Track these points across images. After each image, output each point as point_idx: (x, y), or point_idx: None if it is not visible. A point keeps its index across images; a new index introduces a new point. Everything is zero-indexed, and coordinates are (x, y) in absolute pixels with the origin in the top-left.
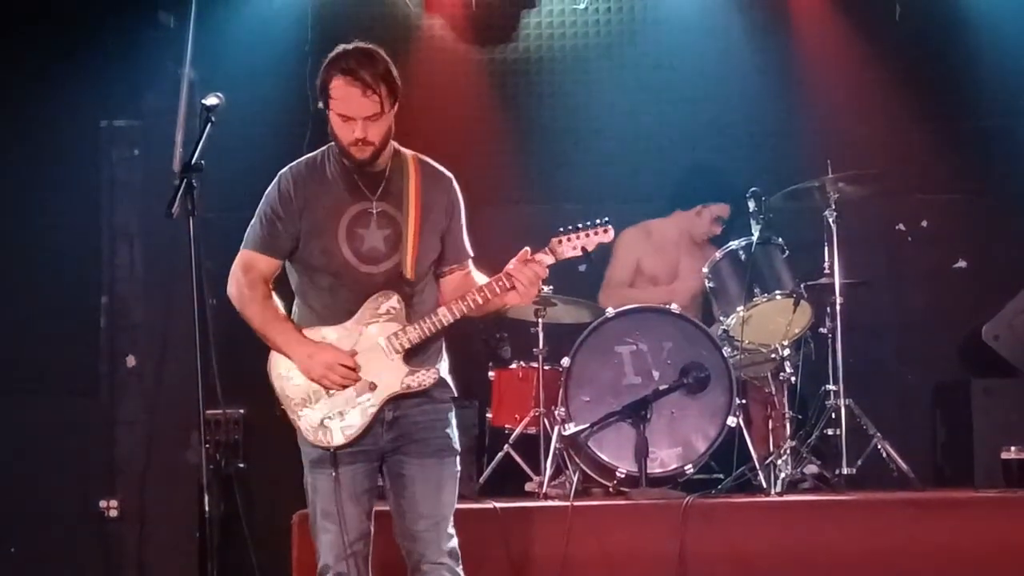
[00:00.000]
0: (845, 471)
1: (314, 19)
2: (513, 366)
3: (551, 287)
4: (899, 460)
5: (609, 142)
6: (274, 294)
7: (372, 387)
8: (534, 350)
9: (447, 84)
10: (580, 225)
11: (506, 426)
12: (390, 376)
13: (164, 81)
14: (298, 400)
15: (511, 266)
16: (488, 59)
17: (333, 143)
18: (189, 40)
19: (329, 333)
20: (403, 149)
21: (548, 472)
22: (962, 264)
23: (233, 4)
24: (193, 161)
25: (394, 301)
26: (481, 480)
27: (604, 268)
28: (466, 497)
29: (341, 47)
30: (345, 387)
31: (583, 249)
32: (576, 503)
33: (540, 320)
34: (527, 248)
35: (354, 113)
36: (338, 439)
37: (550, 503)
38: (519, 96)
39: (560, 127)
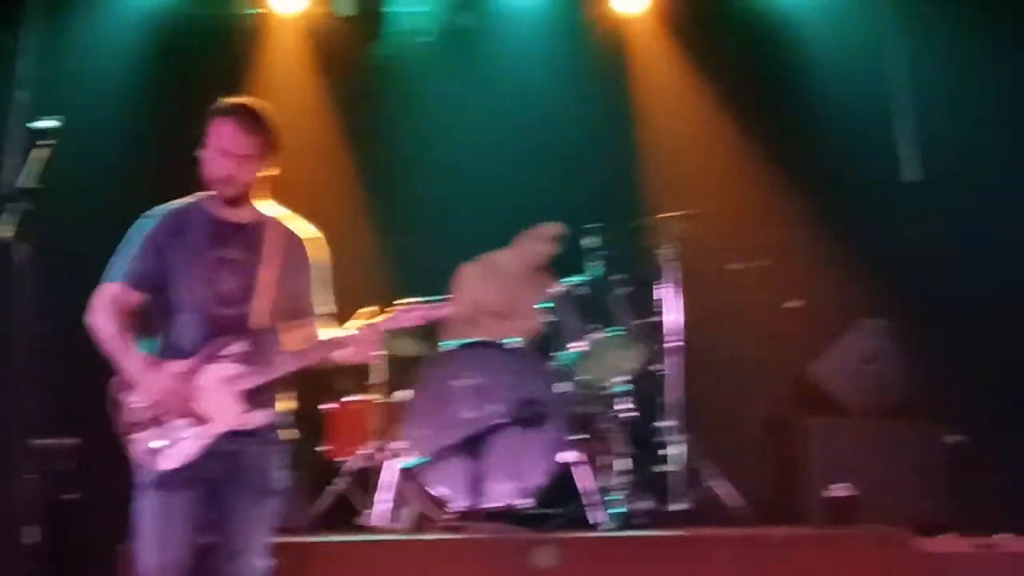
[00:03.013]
0: (679, 507)
1: (155, 47)
2: (350, 399)
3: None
4: (731, 496)
5: (451, 173)
6: (131, 326)
7: (206, 420)
8: (371, 382)
9: (288, 115)
10: (424, 300)
11: (341, 459)
12: (225, 413)
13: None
14: (135, 423)
15: (354, 330)
16: (331, 90)
17: (201, 193)
18: (23, 61)
19: (176, 366)
20: (271, 207)
21: (383, 506)
22: (796, 303)
23: (73, 28)
24: (26, 185)
25: (238, 345)
26: (315, 513)
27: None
28: (299, 530)
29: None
30: (182, 416)
31: (424, 319)
32: (410, 537)
33: (379, 353)
34: (374, 313)
35: (232, 149)
36: (167, 464)
37: (383, 537)
38: (363, 127)
39: (403, 158)
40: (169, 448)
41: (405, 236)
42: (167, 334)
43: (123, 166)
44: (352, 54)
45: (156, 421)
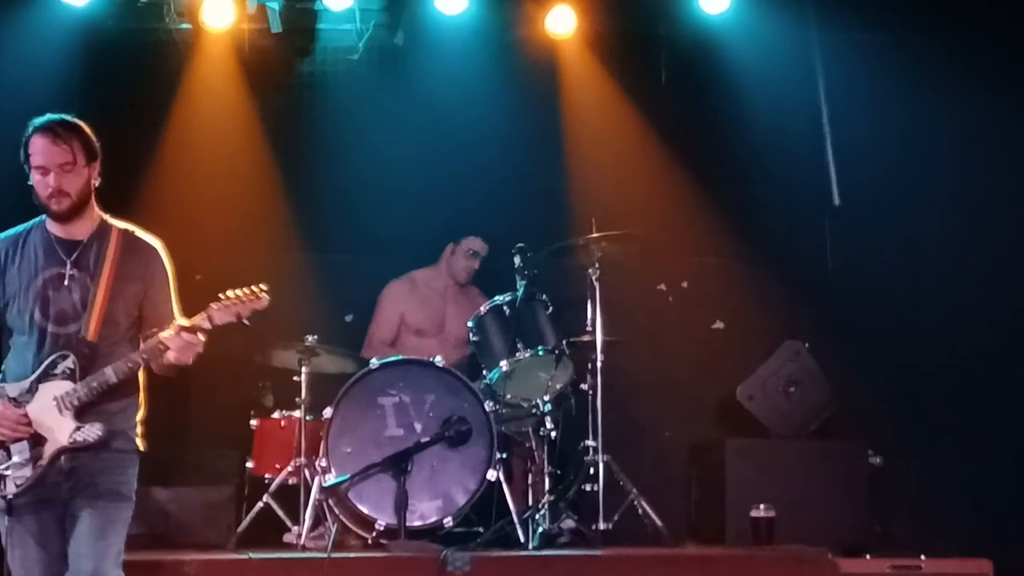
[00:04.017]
0: (602, 526)
1: (83, 61)
2: (275, 415)
3: (315, 336)
4: (654, 516)
5: (379, 191)
6: None
7: (42, 441)
8: (296, 399)
9: (218, 130)
10: (236, 293)
11: (266, 475)
12: (59, 431)
13: None
14: None
15: (164, 334)
16: (260, 106)
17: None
18: None
19: (10, 389)
20: (112, 221)
21: (307, 523)
22: (720, 325)
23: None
24: None
25: (69, 362)
26: (239, 530)
27: (368, 321)
28: (223, 547)
29: None
30: (15, 439)
31: (238, 316)
32: (334, 555)
33: (304, 369)
34: (182, 321)
35: (47, 163)
36: (11, 488)
37: (308, 554)
38: (291, 143)
39: (331, 175)
40: (11, 472)
41: (333, 254)
42: (7, 358)
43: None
44: (281, 70)
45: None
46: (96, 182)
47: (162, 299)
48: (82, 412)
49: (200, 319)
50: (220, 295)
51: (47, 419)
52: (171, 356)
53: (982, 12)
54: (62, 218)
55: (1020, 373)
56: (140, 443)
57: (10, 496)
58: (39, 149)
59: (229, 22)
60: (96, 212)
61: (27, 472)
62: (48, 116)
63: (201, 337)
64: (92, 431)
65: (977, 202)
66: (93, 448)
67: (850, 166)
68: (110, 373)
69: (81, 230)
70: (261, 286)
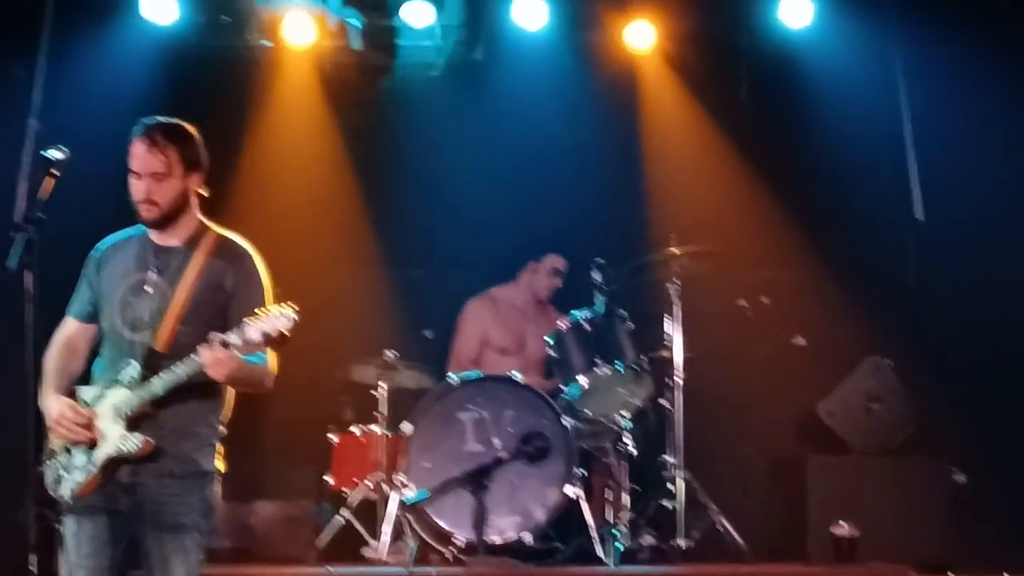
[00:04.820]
0: (682, 543)
1: (166, 78)
2: (355, 430)
3: (395, 352)
4: (734, 533)
5: (458, 207)
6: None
7: (94, 446)
8: (375, 414)
9: (299, 147)
10: (267, 310)
11: (345, 490)
12: (111, 438)
13: (9, 132)
14: (48, 452)
15: (204, 348)
16: (341, 122)
17: None
18: (36, 91)
19: (85, 392)
20: (212, 226)
21: (386, 538)
22: (800, 341)
23: (85, 60)
24: (32, 213)
25: (132, 369)
26: (319, 544)
27: (451, 338)
28: (303, 561)
29: None
30: (75, 441)
31: (264, 335)
32: (414, 570)
33: (383, 385)
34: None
35: (140, 169)
36: (66, 493)
37: (387, 569)
38: (371, 159)
39: (411, 191)
40: (68, 475)
41: (412, 270)
42: (98, 360)
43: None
44: (362, 87)
45: (62, 449)
46: (198, 191)
47: (250, 309)
48: (137, 422)
49: (229, 335)
50: (256, 310)
51: (105, 425)
52: (207, 371)
53: None
54: (152, 225)
55: None
56: (219, 463)
57: (66, 498)
58: (136, 153)
59: (311, 40)
60: (195, 219)
61: (80, 477)
62: (154, 119)
63: (237, 354)
64: (132, 441)
65: None
66: (151, 467)
67: (933, 180)
68: (158, 384)
69: (176, 237)
70: (290, 304)
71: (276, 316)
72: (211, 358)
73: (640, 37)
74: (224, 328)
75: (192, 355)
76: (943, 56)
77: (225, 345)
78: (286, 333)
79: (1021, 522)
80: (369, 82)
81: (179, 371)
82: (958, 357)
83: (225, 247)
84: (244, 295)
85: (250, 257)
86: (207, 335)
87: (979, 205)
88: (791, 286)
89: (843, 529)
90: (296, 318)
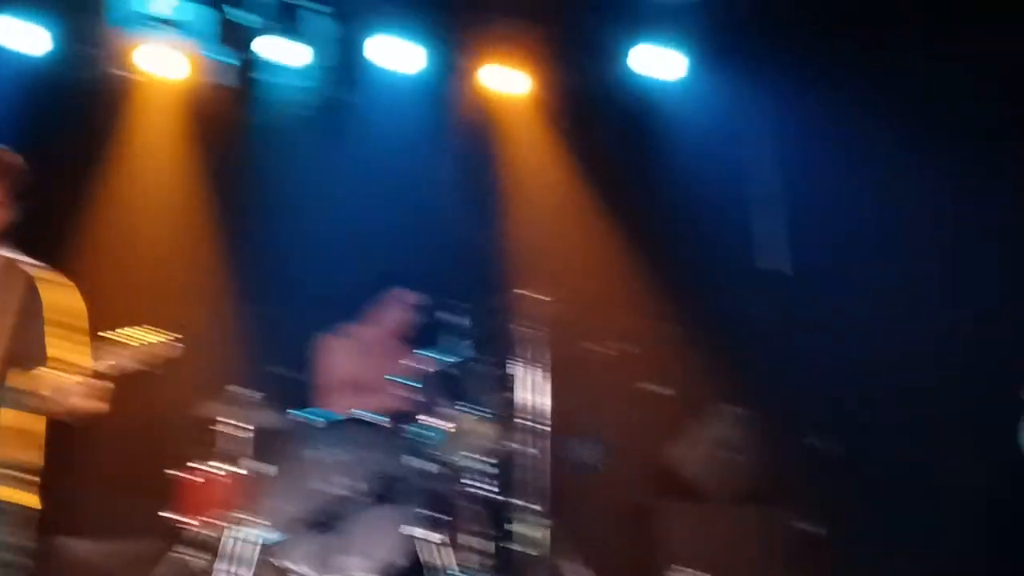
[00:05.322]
0: None
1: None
2: (200, 467)
3: (246, 389)
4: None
5: (317, 245)
6: None
7: None
8: (222, 452)
9: (159, 181)
10: (140, 335)
11: (187, 527)
12: None
13: None
14: None
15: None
16: (205, 157)
17: None
18: None
19: None
20: (8, 253)
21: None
22: (656, 388)
23: None
24: None
25: None
26: None
27: (304, 375)
28: None
29: None
30: None
31: (137, 360)
32: None
33: (230, 421)
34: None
35: None
36: None
37: None
38: (232, 194)
39: (272, 229)
40: None
41: (269, 306)
42: None
43: None
44: (230, 124)
45: None
46: (8, 218)
47: (43, 336)
48: None
49: (102, 360)
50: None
51: None
52: (68, 403)
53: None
54: None
55: (958, 443)
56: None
57: None
58: None
59: (181, 73)
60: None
61: None
62: None
63: (80, 379)
64: None
65: (916, 272)
66: None
67: (798, 231)
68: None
69: None
70: (170, 335)
71: (151, 345)
72: (72, 389)
73: (509, 84)
74: (30, 354)
75: (59, 383)
76: (811, 110)
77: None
78: None
79: (867, 571)
80: (237, 119)
81: (56, 396)
82: (808, 406)
83: (10, 270)
84: (27, 320)
85: (31, 280)
86: (32, 359)
87: (841, 257)
88: (651, 334)
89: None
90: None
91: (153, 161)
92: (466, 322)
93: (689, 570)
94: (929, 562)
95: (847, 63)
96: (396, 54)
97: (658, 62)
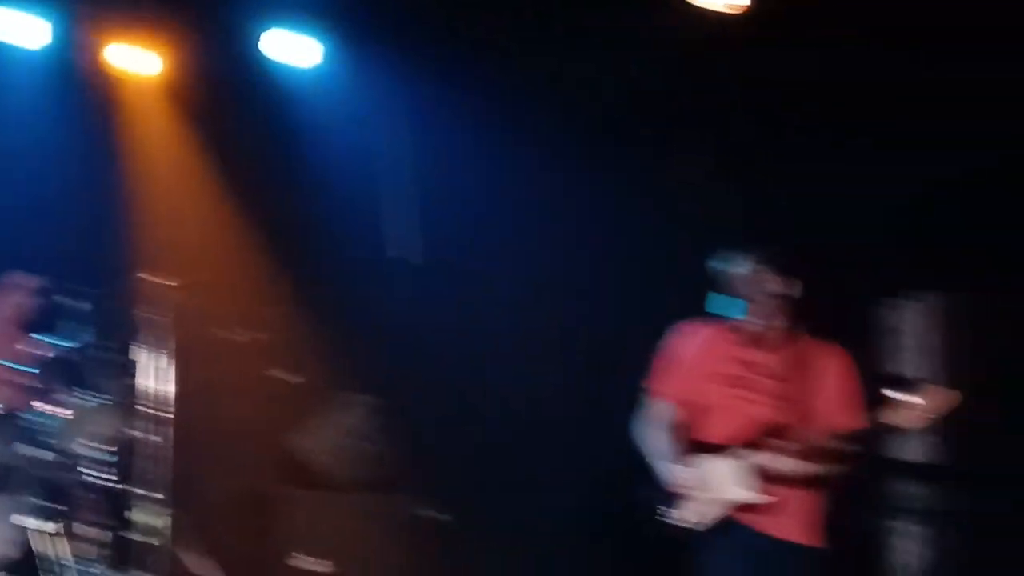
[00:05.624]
0: None
1: None
2: None
3: None
4: (206, 568)
5: None
6: None
7: None
8: None
9: None
10: None
11: None
12: None
13: None
14: None
15: None
16: None
17: None
18: None
19: None
20: None
21: None
22: (283, 375)
23: None
24: None
25: None
26: None
27: None
28: None
29: None
30: None
31: None
32: None
33: None
34: None
35: None
36: None
37: None
38: None
39: None
40: None
41: None
42: None
43: None
44: None
45: None
46: None
47: None
48: None
49: None
50: None
51: None
52: None
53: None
54: None
55: (580, 434)
56: None
57: None
58: None
59: None
60: None
61: None
62: None
63: None
64: None
65: (540, 263)
66: None
67: (433, 221)
68: None
69: None
70: None
71: None
72: None
73: (139, 64)
74: None
75: None
76: (446, 100)
77: None
78: None
79: (488, 559)
80: None
81: None
82: (438, 396)
83: None
84: None
85: None
86: None
87: (469, 248)
88: (281, 322)
89: (303, 562)
90: None
91: None
92: (87, 307)
93: (310, 557)
94: (545, 547)
95: (478, 52)
96: (17, 28)
97: (293, 48)
